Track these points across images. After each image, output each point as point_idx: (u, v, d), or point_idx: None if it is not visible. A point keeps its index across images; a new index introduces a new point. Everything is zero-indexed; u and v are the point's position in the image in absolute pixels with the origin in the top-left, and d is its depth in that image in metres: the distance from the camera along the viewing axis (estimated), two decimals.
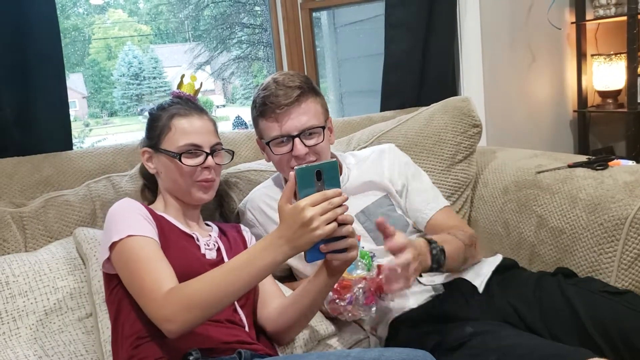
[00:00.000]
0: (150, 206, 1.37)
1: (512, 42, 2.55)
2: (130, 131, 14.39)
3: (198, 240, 1.34)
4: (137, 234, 1.19)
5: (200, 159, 1.34)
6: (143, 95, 15.59)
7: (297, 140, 1.41)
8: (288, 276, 1.59)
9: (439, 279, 1.44)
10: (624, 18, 2.45)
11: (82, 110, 14.75)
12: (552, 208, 1.63)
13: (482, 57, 2.44)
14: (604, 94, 2.64)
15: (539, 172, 1.73)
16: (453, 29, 2.36)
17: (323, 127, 1.45)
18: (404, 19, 2.25)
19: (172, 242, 1.27)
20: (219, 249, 1.35)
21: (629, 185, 1.50)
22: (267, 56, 11.37)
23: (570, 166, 1.70)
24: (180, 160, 1.33)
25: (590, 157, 1.73)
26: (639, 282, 1.43)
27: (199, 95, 1.50)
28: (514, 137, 2.59)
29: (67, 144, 1.84)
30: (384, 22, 2.28)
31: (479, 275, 1.43)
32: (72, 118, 1.92)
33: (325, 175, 1.06)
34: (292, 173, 1.06)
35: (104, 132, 12.45)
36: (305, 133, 1.42)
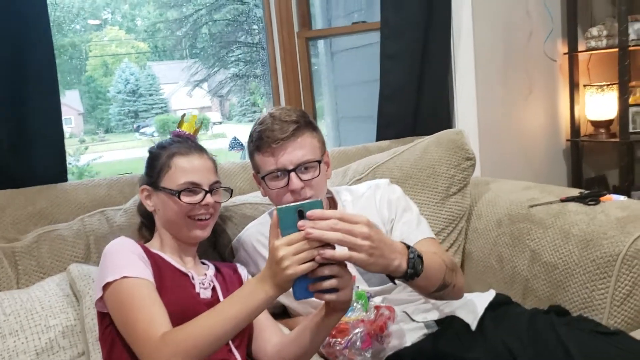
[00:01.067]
0: (146, 244, 1.38)
1: (505, 73, 2.57)
2: (126, 148, 14.40)
3: (193, 278, 1.34)
4: (131, 275, 1.20)
5: (199, 197, 1.37)
6: (139, 111, 15.64)
7: (292, 174, 1.41)
8: (282, 313, 1.59)
9: (432, 315, 1.45)
10: (616, 50, 2.48)
11: (77, 127, 14.77)
12: (545, 243, 1.64)
13: (475, 87, 2.46)
14: (596, 124, 2.66)
15: (532, 206, 1.75)
16: (447, 60, 2.38)
17: (319, 162, 1.46)
18: (399, 50, 2.26)
19: (167, 280, 1.27)
20: (214, 288, 1.36)
21: (621, 221, 1.51)
22: (265, 74, 11.44)
23: (562, 200, 1.71)
24: (179, 197, 1.35)
25: (582, 191, 1.74)
26: (631, 319, 1.44)
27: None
28: (508, 166, 2.60)
29: (62, 175, 1.84)
30: (380, 53, 2.30)
31: (472, 313, 1.43)
32: (67, 135, 1.92)
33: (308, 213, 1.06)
34: (274, 212, 1.06)
35: (100, 149, 12.45)
36: (301, 167, 1.43)
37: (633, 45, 2.52)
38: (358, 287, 1.41)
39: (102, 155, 10.24)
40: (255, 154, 1.47)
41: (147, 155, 1.46)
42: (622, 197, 1.67)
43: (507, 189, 1.93)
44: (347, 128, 3.66)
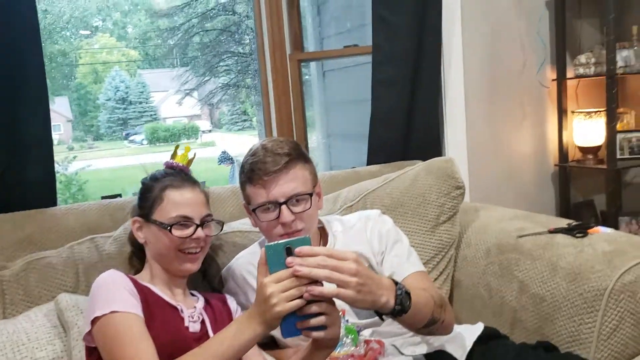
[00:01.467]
0: (136, 275, 1.38)
1: (494, 100, 2.60)
2: (114, 155, 14.33)
3: (182, 312, 1.34)
4: (120, 309, 1.19)
5: (190, 231, 1.37)
6: (129, 119, 15.58)
7: (284, 207, 1.41)
8: (271, 342, 1.59)
9: (420, 349, 1.45)
10: (603, 77, 2.51)
11: (66, 133, 14.68)
12: (533, 274, 1.65)
13: (465, 114, 2.49)
14: (584, 150, 2.69)
15: (520, 236, 1.76)
16: (437, 87, 2.41)
17: (310, 194, 1.46)
18: (390, 76, 2.28)
19: (156, 314, 1.27)
20: (203, 322, 1.36)
21: (608, 255, 1.53)
22: (255, 84, 11.45)
23: (550, 232, 1.72)
24: (170, 231, 1.35)
25: (570, 222, 1.76)
26: (618, 353, 1.45)
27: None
28: (497, 190, 2.63)
29: (51, 200, 1.84)
30: (371, 78, 2.31)
31: (461, 347, 1.44)
32: (55, 141, 1.90)
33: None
34: (262, 250, 1.07)
35: (88, 156, 12.40)
36: (293, 200, 1.42)
37: (621, 73, 2.56)
38: (347, 320, 1.41)
39: (90, 164, 10.20)
40: (247, 186, 1.47)
41: (140, 186, 1.46)
42: (609, 230, 1.69)
43: (496, 217, 1.95)
44: (337, 146, 3.68)
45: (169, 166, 1.49)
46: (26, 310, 1.48)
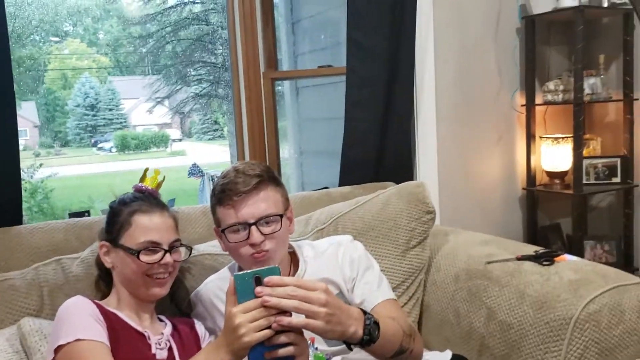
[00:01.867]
0: (103, 301, 1.36)
1: (466, 123, 2.65)
2: (82, 163, 14.09)
3: (149, 338, 1.32)
4: (85, 337, 1.17)
5: (158, 256, 1.36)
6: (98, 126, 15.36)
7: (253, 228, 1.40)
8: None
9: None
10: (571, 105, 2.57)
11: (32, 139, 14.40)
12: (501, 301, 1.67)
13: (436, 137, 2.53)
14: (551, 174, 2.74)
15: (489, 263, 1.78)
16: (410, 109, 2.44)
17: (281, 216, 1.45)
18: (364, 98, 2.30)
19: (122, 341, 1.25)
20: (170, 348, 1.34)
21: (574, 284, 1.55)
22: (227, 94, 11.41)
23: (518, 259, 1.75)
24: (138, 257, 1.34)
25: (537, 250, 1.78)
26: None
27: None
28: (466, 213, 2.66)
29: (16, 218, 1.79)
30: (345, 100, 2.33)
31: None
32: (21, 147, 1.84)
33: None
34: (231, 278, 1.06)
35: (55, 163, 12.17)
36: (262, 221, 1.42)
37: (588, 100, 2.62)
38: (317, 348, 1.41)
39: (57, 171, 10.00)
40: (217, 208, 1.46)
41: (108, 209, 1.44)
42: (575, 258, 1.72)
43: (466, 242, 1.97)
44: (310, 162, 3.68)
45: (138, 190, 1.47)
46: None
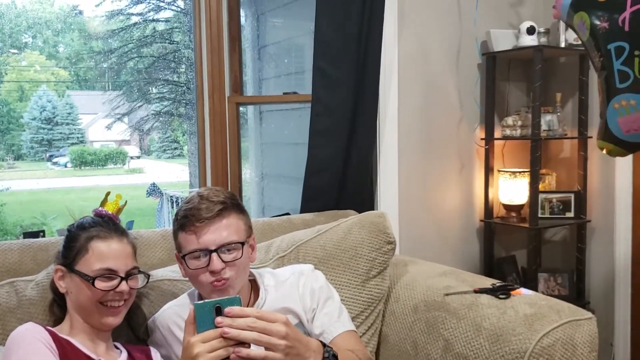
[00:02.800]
0: (56, 327, 1.33)
1: (427, 155, 2.70)
2: (36, 177, 13.74)
3: None
4: None
5: (113, 283, 1.34)
6: (54, 140, 15.02)
7: (214, 255, 1.39)
8: None
9: None
10: (528, 140, 2.65)
11: None
12: (457, 333, 1.69)
13: (398, 167, 2.57)
14: (508, 207, 2.80)
15: (447, 295, 1.81)
16: (373, 139, 2.47)
17: (242, 244, 1.45)
18: (328, 127, 2.32)
19: None
20: None
21: (529, 318, 1.59)
22: (188, 113, 11.33)
23: (476, 292, 1.78)
24: (93, 284, 1.32)
25: (494, 283, 1.82)
26: None
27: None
28: (426, 243, 2.70)
29: None
30: (309, 128, 2.34)
31: None
32: None
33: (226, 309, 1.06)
34: (191, 307, 1.06)
35: (8, 176, 11.84)
36: (224, 249, 1.41)
37: (544, 137, 2.70)
38: None
39: (9, 185, 9.73)
40: (179, 233, 1.45)
41: (65, 231, 1.42)
42: (530, 292, 1.76)
43: (425, 273, 1.99)
44: (271, 187, 3.68)
45: (98, 214, 1.45)
46: None
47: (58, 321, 1.41)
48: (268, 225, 2.16)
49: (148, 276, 1.45)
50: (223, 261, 1.40)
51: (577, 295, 2.80)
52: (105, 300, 1.33)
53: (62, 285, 1.38)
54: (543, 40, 2.68)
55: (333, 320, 1.54)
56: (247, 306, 1.53)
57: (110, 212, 1.46)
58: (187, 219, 1.42)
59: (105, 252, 1.35)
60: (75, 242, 1.37)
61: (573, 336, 1.53)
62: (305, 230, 2.05)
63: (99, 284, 1.32)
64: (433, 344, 1.74)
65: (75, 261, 1.35)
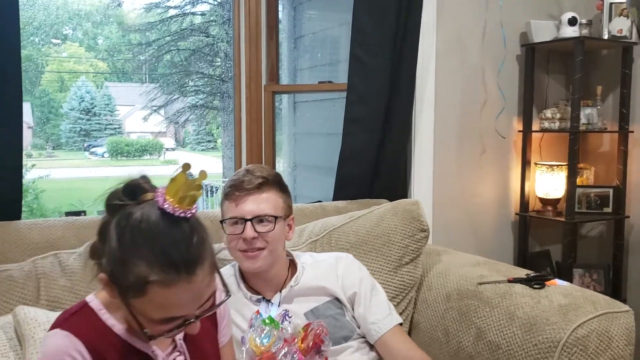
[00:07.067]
0: (99, 299, 1.12)
1: (463, 146, 2.68)
2: (73, 167, 14.03)
3: (156, 356, 1.13)
4: None
5: (178, 326, 1.02)
6: (92, 131, 15.30)
7: (248, 224, 1.49)
8: None
9: None
10: (567, 133, 2.61)
11: (26, 140, 14.30)
12: (490, 322, 1.69)
13: (433, 157, 2.56)
14: (544, 201, 2.77)
15: (480, 284, 1.80)
16: (408, 128, 2.46)
17: (276, 217, 1.52)
18: (362, 115, 2.32)
19: None
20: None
21: (563, 308, 1.58)
22: (224, 107, 11.42)
23: (510, 281, 1.77)
24: (150, 338, 1.03)
25: (529, 273, 1.81)
26: None
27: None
28: (459, 234, 2.69)
29: (16, 213, 1.80)
30: (344, 116, 2.35)
31: None
32: None
33: None
34: None
35: (47, 165, 12.12)
36: (258, 219, 1.50)
37: (583, 130, 2.66)
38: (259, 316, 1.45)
39: (49, 173, 9.95)
40: (224, 202, 1.56)
41: (110, 228, 1.01)
42: (565, 283, 1.75)
43: (458, 263, 1.99)
44: (303, 177, 3.70)
45: (163, 209, 0.99)
46: None
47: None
48: (301, 211, 2.18)
49: (229, 296, 1.11)
50: (256, 231, 1.48)
51: (613, 292, 2.75)
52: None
53: (109, 291, 1.04)
54: (585, 31, 2.63)
55: (385, 314, 1.62)
56: (285, 282, 1.59)
57: (186, 209, 1.00)
58: (231, 188, 1.53)
59: (169, 302, 0.98)
60: (123, 267, 0.98)
61: (609, 328, 1.52)
62: (338, 216, 2.07)
63: (159, 331, 1.01)
64: (465, 332, 1.74)
65: (127, 295, 0.99)
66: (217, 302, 1.09)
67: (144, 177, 1.06)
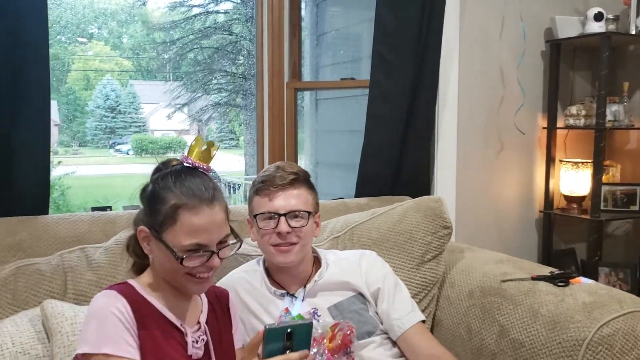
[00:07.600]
0: (139, 283, 1.28)
1: (486, 143, 2.66)
2: (99, 164, 14.21)
3: (186, 335, 1.27)
4: (113, 353, 1.14)
5: (203, 259, 1.22)
6: (117, 128, 15.49)
7: (282, 218, 1.51)
8: None
9: None
10: (592, 130, 2.58)
11: (52, 137, 14.55)
12: (514, 319, 1.67)
13: (456, 154, 2.54)
14: (569, 199, 2.74)
15: (504, 281, 1.79)
16: (431, 125, 2.45)
17: (309, 213, 1.55)
18: (385, 112, 2.32)
19: (155, 342, 1.21)
20: (207, 344, 1.31)
21: (588, 306, 1.56)
22: (246, 104, 11.48)
23: (533, 279, 1.75)
24: (182, 262, 1.20)
25: (553, 270, 1.79)
26: None
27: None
28: (482, 231, 2.67)
29: (43, 207, 1.84)
30: (366, 113, 2.35)
31: None
32: None
33: (297, 336, 1.10)
34: (261, 330, 1.12)
35: (73, 162, 12.31)
36: (292, 214, 1.52)
37: (609, 127, 2.63)
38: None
39: (75, 170, 10.12)
40: (254, 197, 1.57)
41: (149, 188, 1.27)
42: (590, 281, 1.72)
43: (481, 260, 1.97)
44: (325, 174, 3.71)
45: (188, 165, 1.27)
46: (12, 314, 1.47)
47: (138, 270, 1.36)
48: (323, 208, 2.15)
49: (240, 242, 1.30)
50: (290, 226, 1.50)
51: (639, 291, 2.71)
52: (194, 272, 1.23)
53: (147, 247, 1.26)
54: (611, 27, 2.59)
55: (408, 310, 1.63)
56: (309, 277, 1.61)
57: (203, 164, 1.27)
58: (263, 184, 1.54)
59: (195, 226, 1.20)
60: (160, 205, 1.21)
61: (635, 327, 1.49)
62: (360, 212, 2.07)
63: (188, 262, 1.20)
64: (488, 329, 1.73)
65: (162, 230, 1.21)
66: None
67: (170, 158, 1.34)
